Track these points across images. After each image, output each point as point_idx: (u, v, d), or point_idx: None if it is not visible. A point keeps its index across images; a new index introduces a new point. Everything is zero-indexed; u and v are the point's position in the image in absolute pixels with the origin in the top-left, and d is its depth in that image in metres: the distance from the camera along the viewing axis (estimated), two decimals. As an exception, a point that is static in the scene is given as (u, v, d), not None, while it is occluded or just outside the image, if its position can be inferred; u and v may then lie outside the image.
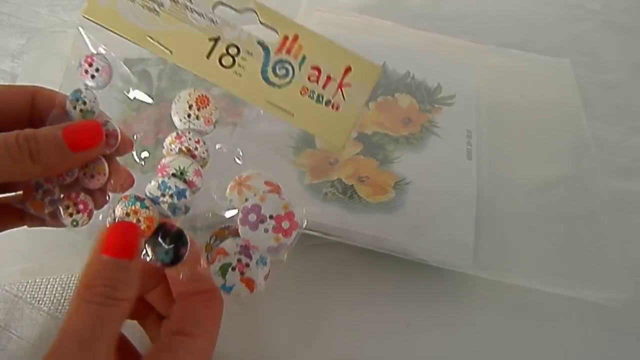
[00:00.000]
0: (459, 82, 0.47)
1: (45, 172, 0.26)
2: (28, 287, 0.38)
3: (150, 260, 0.27)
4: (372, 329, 0.36)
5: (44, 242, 0.39)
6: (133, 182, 0.30)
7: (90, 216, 0.29)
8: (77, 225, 0.29)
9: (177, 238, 0.27)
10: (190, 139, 0.29)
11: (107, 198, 0.30)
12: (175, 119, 0.29)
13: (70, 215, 0.29)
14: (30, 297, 0.37)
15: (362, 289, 0.38)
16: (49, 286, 0.38)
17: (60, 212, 0.29)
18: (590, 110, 0.47)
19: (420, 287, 0.38)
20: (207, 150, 0.29)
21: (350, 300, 0.37)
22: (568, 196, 0.41)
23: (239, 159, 0.32)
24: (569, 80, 0.49)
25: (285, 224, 0.27)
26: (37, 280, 0.38)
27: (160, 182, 0.28)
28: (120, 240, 0.25)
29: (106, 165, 0.29)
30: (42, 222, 0.30)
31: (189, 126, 0.29)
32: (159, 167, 0.28)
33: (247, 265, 0.28)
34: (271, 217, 0.27)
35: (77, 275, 0.38)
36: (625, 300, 0.35)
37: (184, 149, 0.29)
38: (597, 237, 0.39)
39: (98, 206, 0.29)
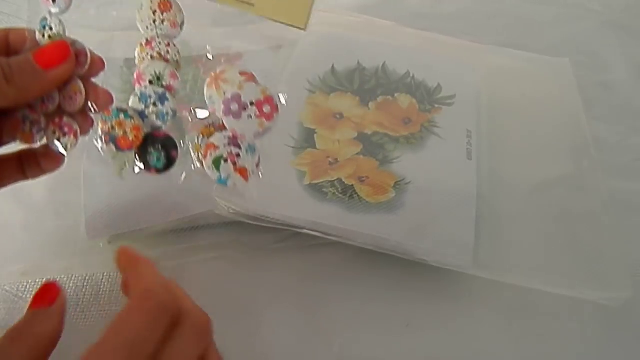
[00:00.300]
0: (459, 82, 0.47)
1: (22, 94, 0.27)
2: (28, 287, 0.38)
3: (144, 169, 0.28)
4: (372, 328, 0.36)
5: (44, 243, 0.39)
6: (112, 100, 0.31)
7: (76, 137, 0.30)
8: (66, 148, 0.30)
9: (167, 142, 0.28)
10: (160, 43, 0.29)
11: (90, 121, 0.30)
12: (141, 27, 0.29)
13: (58, 140, 0.30)
14: (30, 297, 0.37)
15: (362, 289, 0.38)
16: (49, 286, 0.38)
17: (49, 138, 0.30)
18: (590, 110, 0.47)
19: (420, 287, 0.38)
20: (178, 52, 0.29)
21: (350, 300, 0.37)
22: (568, 196, 0.41)
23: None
24: (569, 80, 0.49)
25: (267, 108, 0.28)
26: (37, 280, 0.38)
27: (139, 93, 0.28)
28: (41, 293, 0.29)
29: (81, 84, 0.29)
30: (40, 170, 0.31)
31: (157, 32, 0.29)
32: (135, 77, 0.29)
33: (238, 155, 0.29)
34: (252, 103, 0.28)
35: (77, 276, 0.38)
36: (625, 300, 0.35)
37: (155, 54, 0.29)
38: (597, 237, 0.39)
39: (83, 130, 0.30)
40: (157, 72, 0.29)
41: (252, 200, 0.36)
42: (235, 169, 0.29)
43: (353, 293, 0.38)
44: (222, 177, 0.29)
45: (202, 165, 0.29)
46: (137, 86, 0.29)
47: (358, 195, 0.38)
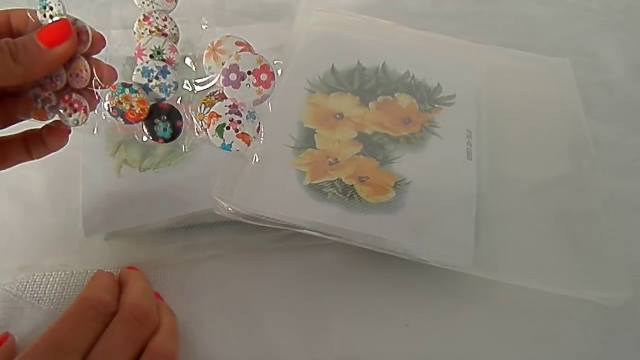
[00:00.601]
0: (459, 82, 0.47)
1: (29, 73, 0.29)
2: (28, 286, 0.38)
3: (152, 140, 0.30)
4: (372, 328, 0.36)
5: (41, 240, 0.39)
6: (117, 75, 0.32)
7: (86, 113, 0.31)
8: (78, 124, 0.31)
9: (172, 113, 0.30)
10: (157, 18, 0.30)
11: (97, 97, 0.31)
12: (138, 3, 0.30)
13: (70, 115, 0.31)
14: (30, 297, 0.37)
15: (362, 289, 0.38)
16: (48, 286, 0.38)
17: (61, 115, 0.31)
18: (590, 110, 0.47)
19: (420, 287, 0.38)
20: (176, 26, 0.31)
21: (350, 300, 0.37)
22: (568, 196, 0.41)
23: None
24: (569, 80, 0.49)
25: (264, 77, 0.30)
26: (37, 280, 0.38)
27: (142, 68, 0.30)
28: None
29: (86, 62, 0.30)
30: (46, 149, 0.33)
31: (153, 7, 0.30)
32: (136, 52, 0.30)
33: (239, 122, 0.30)
34: (249, 72, 0.29)
35: (74, 273, 0.38)
36: (625, 300, 0.35)
37: (154, 29, 0.30)
38: (597, 237, 0.39)
39: (92, 106, 0.31)
40: (157, 47, 0.30)
41: (252, 200, 0.37)
42: (238, 135, 0.30)
43: (353, 293, 0.38)
44: (226, 143, 0.30)
45: (206, 133, 0.30)
46: (139, 61, 0.30)
47: (358, 196, 0.38)
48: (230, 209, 0.36)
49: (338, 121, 0.43)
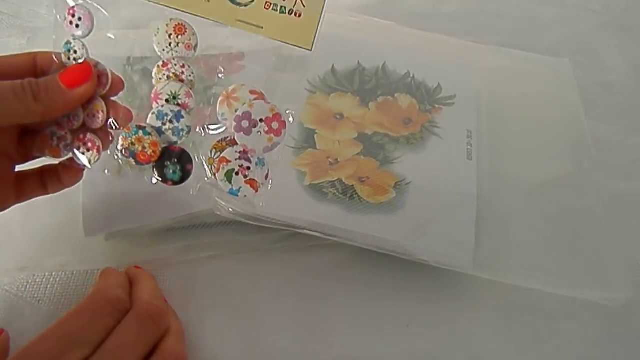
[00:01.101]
0: (459, 82, 0.47)
1: (49, 111, 0.30)
2: (28, 286, 0.38)
3: (161, 182, 0.31)
4: (372, 329, 0.36)
5: (41, 239, 0.39)
6: (132, 117, 0.33)
7: (99, 152, 0.32)
8: (90, 162, 0.32)
9: (182, 156, 0.31)
10: (175, 64, 0.31)
11: (111, 138, 0.32)
12: (158, 49, 0.31)
13: (83, 154, 0.32)
14: (30, 297, 0.37)
15: (362, 289, 0.38)
16: (48, 286, 0.38)
17: (74, 153, 0.32)
18: (590, 110, 0.47)
19: (420, 287, 0.38)
20: (193, 73, 0.31)
21: (350, 301, 0.37)
22: (568, 196, 0.41)
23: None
24: (569, 80, 0.49)
25: (275, 125, 0.30)
26: (37, 280, 0.38)
27: (157, 111, 0.31)
28: None
29: (103, 103, 0.32)
30: (61, 184, 0.34)
31: (172, 54, 0.31)
32: (152, 96, 0.31)
33: (248, 168, 0.31)
34: (261, 120, 0.30)
35: (73, 272, 0.38)
36: (625, 300, 0.35)
37: (171, 75, 0.31)
38: (597, 237, 0.39)
39: (105, 145, 0.32)
40: (173, 92, 0.31)
41: (252, 201, 0.36)
42: (246, 181, 0.31)
43: (353, 293, 0.38)
44: (234, 188, 0.31)
45: (215, 177, 0.31)
46: (154, 105, 0.31)
47: (358, 196, 0.38)
48: (230, 209, 0.36)
49: (338, 121, 0.43)
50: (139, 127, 0.30)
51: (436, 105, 0.45)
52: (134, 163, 0.31)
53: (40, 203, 0.41)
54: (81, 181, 0.40)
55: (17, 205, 0.41)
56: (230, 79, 0.46)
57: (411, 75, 0.47)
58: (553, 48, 0.55)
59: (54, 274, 0.38)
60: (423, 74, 0.47)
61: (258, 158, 0.31)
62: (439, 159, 0.41)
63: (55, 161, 0.34)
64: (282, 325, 0.36)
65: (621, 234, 0.38)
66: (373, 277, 0.38)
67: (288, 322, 0.36)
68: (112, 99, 0.33)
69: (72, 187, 0.35)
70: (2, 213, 0.41)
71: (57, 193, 0.41)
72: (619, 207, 0.41)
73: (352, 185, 0.39)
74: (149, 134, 0.30)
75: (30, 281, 0.38)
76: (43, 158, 0.34)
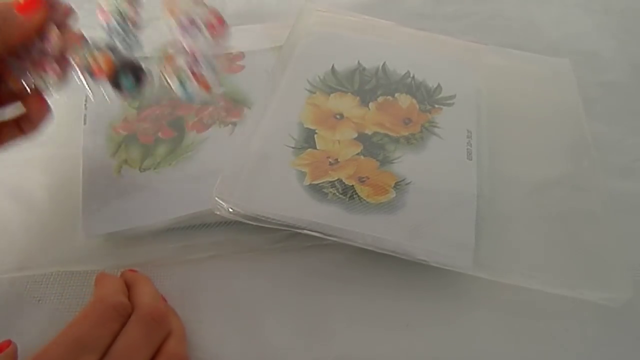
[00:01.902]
0: (459, 82, 0.47)
1: (7, 40, 0.31)
2: (28, 286, 0.38)
3: (118, 94, 0.33)
4: (372, 328, 0.36)
5: (41, 240, 0.39)
6: (84, 38, 0.34)
7: (59, 77, 0.33)
8: (51, 87, 0.33)
9: (135, 68, 0.33)
10: None
11: (69, 61, 0.33)
12: None
13: (44, 80, 0.33)
14: (30, 297, 0.37)
15: (362, 289, 0.38)
16: (48, 286, 0.38)
17: (36, 81, 0.33)
18: (590, 110, 0.47)
19: (420, 287, 0.38)
20: None
21: (350, 300, 0.37)
22: (568, 196, 0.41)
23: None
24: (569, 80, 0.49)
25: (217, 26, 0.33)
26: (37, 280, 0.38)
27: (106, 27, 0.32)
28: None
29: (55, 27, 0.33)
30: (30, 122, 0.35)
31: None
32: (99, 13, 0.33)
33: (199, 71, 0.33)
34: (205, 24, 0.33)
35: (75, 273, 0.38)
36: (625, 300, 0.35)
37: None
38: (597, 237, 0.39)
39: (64, 70, 0.33)
40: (119, 7, 0.32)
41: (252, 201, 0.37)
42: (199, 84, 0.33)
43: (353, 293, 0.38)
44: (188, 92, 0.33)
45: (169, 84, 0.33)
46: (103, 22, 0.33)
47: (358, 196, 0.38)
48: (230, 209, 0.36)
49: (338, 121, 0.43)
50: (90, 42, 0.32)
51: (436, 105, 0.45)
52: (91, 79, 0.32)
53: (40, 203, 0.41)
54: (81, 181, 0.41)
55: (17, 205, 0.41)
56: (230, 79, 0.47)
57: (411, 75, 0.47)
58: (553, 48, 0.55)
59: (54, 274, 0.38)
60: (423, 74, 0.47)
61: (208, 62, 0.33)
62: (439, 159, 0.41)
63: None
64: (281, 325, 0.36)
65: (621, 234, 0.38)
66: (373, 277, 0.38)
67: (288, 322, 0.36)
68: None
69: (43, 121, 0.35)
70: (2, 213, 0.41)
71: (57, 193, 0.41)
72: (619, 207, 0.41)
73: (352, 185, 0.39)
74: (101, 49, 0.32)
75: (30, 281, 0.38)
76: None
